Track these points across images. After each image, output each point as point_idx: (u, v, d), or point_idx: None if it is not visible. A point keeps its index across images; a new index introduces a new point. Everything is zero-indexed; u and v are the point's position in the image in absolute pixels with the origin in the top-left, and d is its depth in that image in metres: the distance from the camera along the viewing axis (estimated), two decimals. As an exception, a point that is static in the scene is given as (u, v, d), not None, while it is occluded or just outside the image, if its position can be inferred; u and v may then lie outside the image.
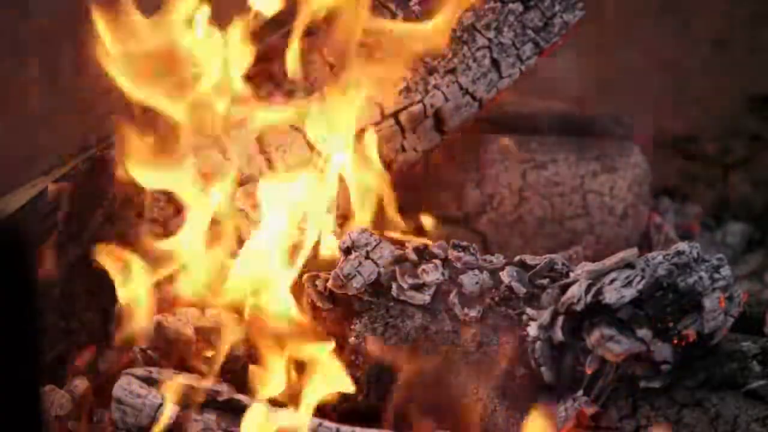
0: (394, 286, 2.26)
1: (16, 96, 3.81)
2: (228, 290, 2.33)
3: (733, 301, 2.15)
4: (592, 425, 2.14)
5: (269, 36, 2.52)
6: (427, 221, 2.73)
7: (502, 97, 2.65)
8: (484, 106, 2.59)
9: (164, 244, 2.34)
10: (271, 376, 2.23)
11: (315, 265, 2.35)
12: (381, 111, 2.53)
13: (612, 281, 2.14)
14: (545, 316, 2.17)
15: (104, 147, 2.46)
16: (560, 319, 2.15)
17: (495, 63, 2.56)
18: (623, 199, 2.96)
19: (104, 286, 2.38)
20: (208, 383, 2.21)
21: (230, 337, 2.27)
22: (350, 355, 2.24)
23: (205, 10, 2.43)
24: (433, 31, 2.48)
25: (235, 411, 2.16)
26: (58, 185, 2.38)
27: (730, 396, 2.13)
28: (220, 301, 2.32)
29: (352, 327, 2.25)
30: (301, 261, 2.33)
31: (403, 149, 2.55)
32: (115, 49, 2.39)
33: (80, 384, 2.31)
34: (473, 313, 2.22)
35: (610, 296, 2.12)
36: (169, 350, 2.29)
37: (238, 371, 2.28)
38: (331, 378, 2.18)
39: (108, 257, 2.31)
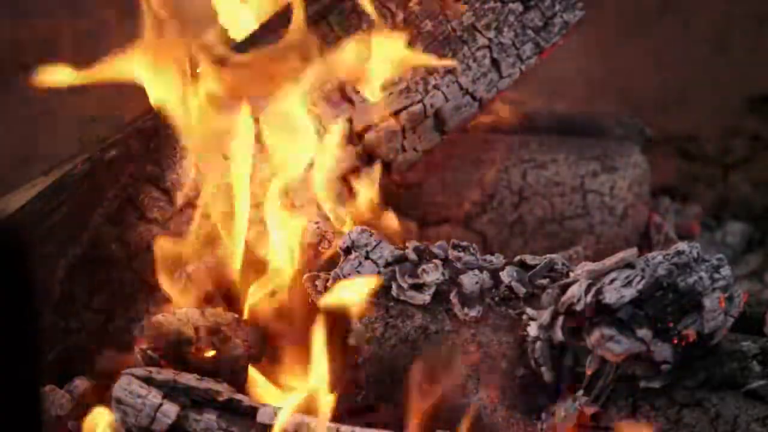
0: (394, 286, 2.26)
1: (16, 96, 3.81)
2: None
3: (733, 301, 2.15)
4: (592, 425, 2.14)
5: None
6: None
7: (503, 97, 2.66)
8: (484, 106, 2.59)
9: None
10: (271, 382, 2.24)
11: (315, 264, 2.35)
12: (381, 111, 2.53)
13: (612, 281, 2.14)
14: (545, 316, 2.17)
15: (104, 147, 2.45)
16: (560, 319, 2.15)
17: (495, 63, 2.56)
18: (623, 199, 2.96)
19: (104, 286, 2.39)
20: (208, 383, 2.21)
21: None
22: (350, 355, 2.24)
23: None
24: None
25: (235, 411, 2.16)
26: None
27: (730, 396, 2.13)
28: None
29: (352, 327, 2.25)
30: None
31: (403, 149, 2.55)
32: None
33: (80, 384, 2.31)
34: (473, 313, 2.22)
35: (610, 296, 2.12)
36: (169, 350, 2.29)
37: (238, 371, 2.28)
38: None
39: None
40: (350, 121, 2.50)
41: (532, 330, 2.17)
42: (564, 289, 2.19)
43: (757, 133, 3.81)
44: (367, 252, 2.28)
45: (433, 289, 2.24)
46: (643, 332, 2.10)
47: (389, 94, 2.52)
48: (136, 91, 2.58)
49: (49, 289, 2.35)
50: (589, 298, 2.12)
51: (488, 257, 2.29)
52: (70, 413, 2.28)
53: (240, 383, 2.26)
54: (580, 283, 2.15)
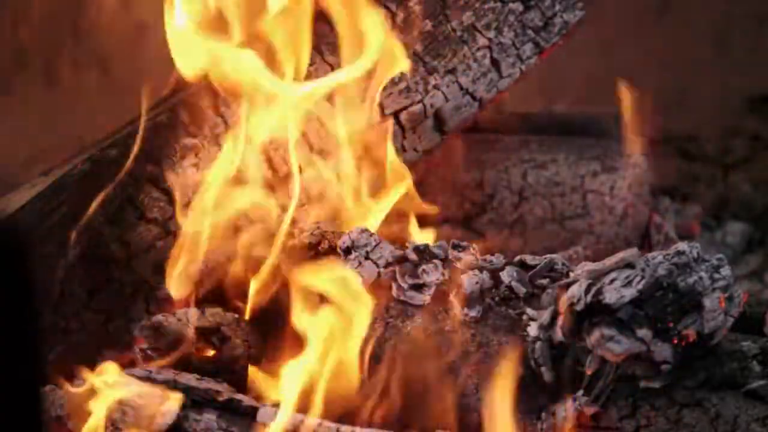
0: (394, 286, 2.26)
1: (16, 96, 3.81)
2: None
3: (733, 301, 2.15)
4: (592, 425, 2.14)
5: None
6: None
7: (503, 97, 2.65)
8: (484, 106, 2.59)
9: None
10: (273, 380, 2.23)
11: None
12: (381, 111, 2.53)
13: (612, 281, 2.13)
14: (545, 316, 2.17)
15: (104, 147, 2.46)
16: (560, 319, 2.15)
17: (495, 63, 2.56)
18: (623, 199, 2.96)
19: (104, 286, 2.39)
20: (208, 383, 2.21)
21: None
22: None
23: None
24: None
25: (235, 411, 2.16)
26: None
27: (730, 396, 2.13)
28: None
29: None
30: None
31: (403, 149, 2.55)
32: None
33: (80, 384, 2.31)
34: (473, 313, 2.22)
35: (610, 296, 2.12)
36: (169, 350, 2.29)
37: (238, 371, 2.28)
38: None
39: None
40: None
41: (532, 330, 2.17)
42: (564, 289, 2.19)
43: (757, 133, 3.81)
44: (367, 252, 2.28)
45: (433, 289, 2.24)
46: (643, 332, 2.10)
47: (389, 95, 2.52)
48: (137, 92, 2.59)
49: (49, 289, 2.35)
50: (589, 298, 2.12)
51: (488, 257, 2.29)
52: (70, 413, 2.27)
53: (240, 383, 2.25)
54: (580, 283, 2.15)
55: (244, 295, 2.39)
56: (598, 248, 2.89)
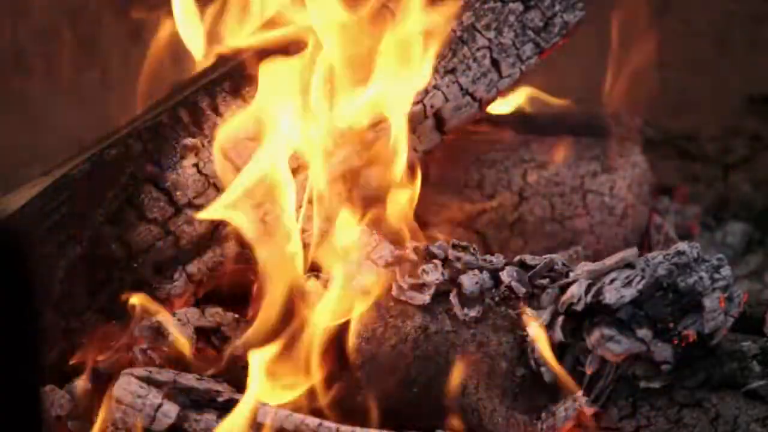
0: (394, 286, 2.26)
1: (16, 96, 3.81)
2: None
3: (733, 301, 2.15)
4: (592, 425, 2.14)
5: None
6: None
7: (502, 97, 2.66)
8: (484, 106, 2.59)
9: None
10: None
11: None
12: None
13: (612, 281, 2.14)
14: (545, 316, 2.17)
15: (104, 147, 2.45)
16: (560, 319, 2.15)
17: (495, 63, 2.56)
18: (623, 199, 2.96)
19: (104, 286, 2.39)
20: (208, 383, 2.21)
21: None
22: (350, 355, 2.24)
23: None
24: None
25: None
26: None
27: (730, 396, 2.13)
28: None
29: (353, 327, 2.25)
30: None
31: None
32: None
33: (80, 384, 2.31)
34: (473, 313, 2.22)
35: (610, 296, 2.12)
36: (169, 350, 2.29)
37: (238, 371, 2.28)
38: None
39: None
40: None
41: (532, 330, 2.17)
42: (564, 289, 2.19)
43: (757, 133, 3.80)
44: (367, 252, 2.28)
45: (433, 289, 2.24)
46: (643, 332, 2.10)
47: (389, 94, 2.52)
48: (137, 92, 2.59)
49: (49, 289, 2.35)
50: (589, 298, 2.13)
51: (488, 257, 2.29)
52: (70, 413, 2.28)
53: (240, 383, 2.25)
54: (580, 283, 2.15)
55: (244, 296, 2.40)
56: (598, 248, 2.89)
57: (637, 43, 3.46)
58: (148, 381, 2.19)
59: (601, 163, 2.96)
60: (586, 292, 2.13)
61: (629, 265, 2.16)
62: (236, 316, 2.35)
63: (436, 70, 2.54)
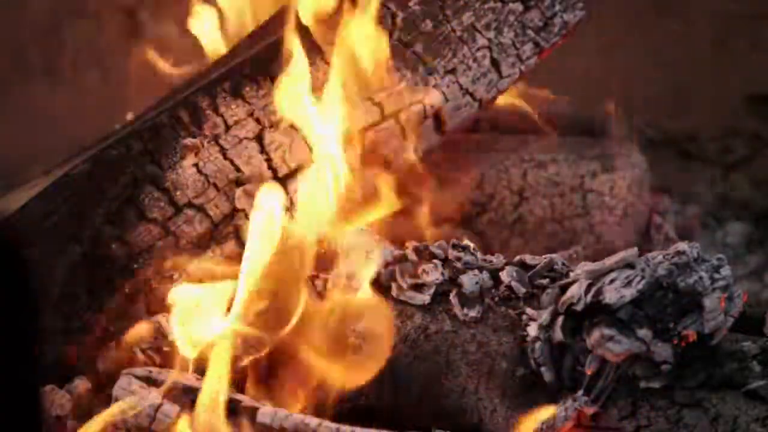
0: (394, 286, 2.26)
1: (16, 96, 3.81)
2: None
3: (733, 301, 2.15)
4: (592, 425, 2.14)
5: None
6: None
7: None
8: (485, 106, 2.59)
9: None
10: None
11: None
12: (381, 111, 2.53)
13: (612, 281, 2.13)
14: (545, 316, 2.17)
15: (104, 147, 2.46)
16: (560, 319, 2.15)
17: (495, 63, 2.56)
18: (623, 199, 2.96)
19: (104, 286, 2.39)
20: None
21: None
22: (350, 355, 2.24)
23: None
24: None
25: (235, 411, 2.16)
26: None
27: (730, 396, 2.13)
28: None
29: (353, 327, 2.25)
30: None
31: (404, 149, 2.55)
32: None
33: (80, 384, 2.31)
34: (473, 313, 2.22)
35: (610, 296, 2.12)
36: (169, 350, 2.29)
37: (238, 371, 2.28)
38: None
39: None
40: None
41: (532, 330, 2.17)
42: (564, 289, 2.19)
43: (757, 133, 3.81)
44: (367, 252, 2.28)
45: (433, 289, 2.24)
46: (643, 332, 2.10)
47: (389, 95, 2.52)
48: (137, 92, 2.59)
49: (49, 289, 2.35)
50: (589, 298, 2.13)
51: (488, 257, 2.29)
52: (70, 413, 2.28)
53: (240, 383, 2.25)
54: (580, 283, 2.15)
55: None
56: (598, 248, 2.89)
57: (636, 43, 3.46)
58: (148, 381, 2.19)
59: (601, 163, 2.96)
60: (586, 292, 2.13)
61: (629, 265, 2.16)
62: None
63: (436, 70, 2.54)
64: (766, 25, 3.77)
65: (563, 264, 2.26)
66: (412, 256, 2.28)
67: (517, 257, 2.29)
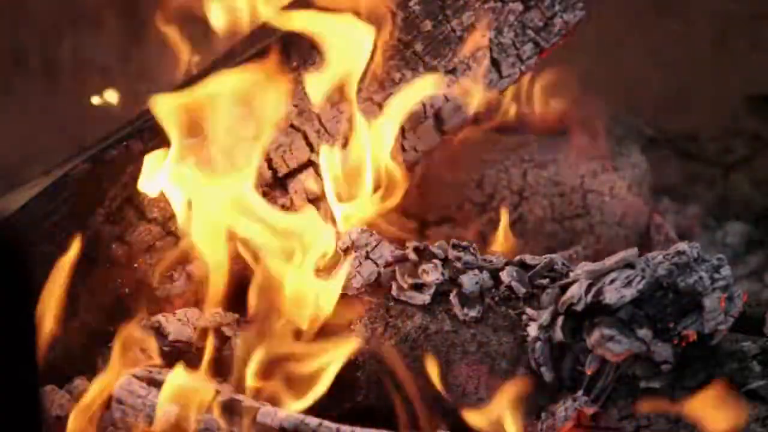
0: (394, 286, 2.26)
1: (16, 96, 3.81)
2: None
3: (733, 301, 2.15)
4: (592, 425, 2.14)
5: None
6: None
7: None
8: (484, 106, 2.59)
9: None
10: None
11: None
12: (381, 111, 2.53)
13: (612, 281, 2.13)
14: (545, 316, 2.17)
15: (104, 147, 2.46)
16: (560, 319, 2.15)
17: (495, 63, 2.56)
18: (623, 199, 2.96)
19: (104, 286, 2.39)
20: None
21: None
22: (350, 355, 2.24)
23: None
24: None
25: (235, 411, 2.16)
26: None
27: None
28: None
29: (352, 327, 2.25)
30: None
31: (403, 149, 2.55)
32: None
33: (80, 384, 2.31)
34: (473, 313, 2.22)
35: (611, 296, 2.12)
36: (169, 350, 2.29)
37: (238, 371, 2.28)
38: None
39: None
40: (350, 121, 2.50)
41: (532, 330, 2.17)
42: (564, 289, 2.19)
43: (757, 133, 3.81)
44: (367, 252, 2.28)
45: (433, 289, 2.24)
46: (643, 332, 2.10)
47: (389, 95, 2.52)
48: (137, 92, 2.59)
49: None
50: (589, 298, 2.12)
51: (488, 257, 2.29)
52: (70, 413, 2.28)
53: (240, 383, 2.25)
54: (580, 283, 2.15)
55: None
56: (598, 248, 2.89)
57: (636, 43, 3.46)
58: (148, 381, 2.19)
59: (601, 163, 2.96)
60: (586, 292, 2.13)
61: (629, 265, 2.16)
62: (236, 316, 2.35)
63: (436, 70, 2.54)
64: (766, 25, 3.77)
65: (563, 264, 2.26)
66: (412, 256, 2.28)
67: (517, 257, 2.29)
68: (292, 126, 2.49)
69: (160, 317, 2.32)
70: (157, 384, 2.18)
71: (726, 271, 2.15)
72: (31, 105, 3.78)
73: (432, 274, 2.25)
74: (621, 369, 2.13)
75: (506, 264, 2.28)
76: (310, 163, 2.50)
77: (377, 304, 2.25)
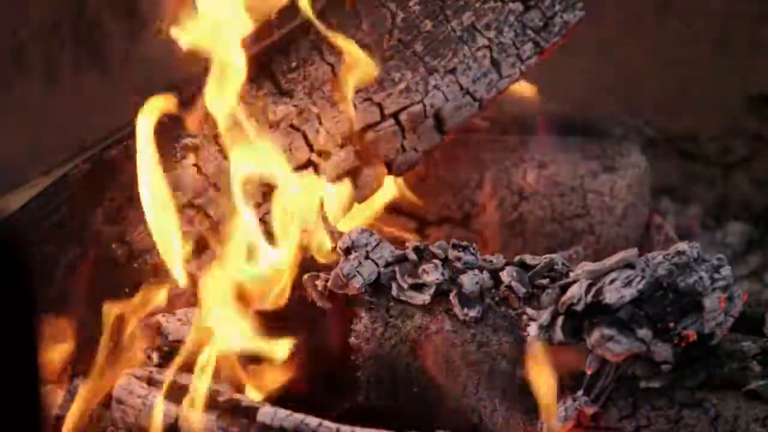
0: (394, 286, 2.26)
1: (16, 96, 3.81)
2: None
3: (733, 301, 2.15)
4: (592, 425, 2.14)
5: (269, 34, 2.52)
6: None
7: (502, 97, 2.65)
8: (485, 106, 2.59)
9: None
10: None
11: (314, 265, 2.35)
12: (381, 111, 2.53)
13: (612, 281, 2.13)
14: (545, 316, 2.16)
15: (104, 147, 2.46)
16: (560, 319, 2.15)
17: (495, 63, 2.56)
18: (623, 199, 2.96)
19: (104, 286, 2.39)
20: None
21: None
22: (350, 355, 2.24)
23: None
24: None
25: (235, 411, 2.16)
26: None
27: (730, 396, 2.13)
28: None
29: (352, 327, 2.25)
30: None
31: (403, 149, 2.55)
32: None
33: (80, 384, 2.31)
34: (473, 313, 2.22)
35: (610, 296, 2.12)
36: (169, 350, 2.29)
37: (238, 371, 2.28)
38: None
39: None
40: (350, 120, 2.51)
41: (532, 330, 2.17)
42: (564, 289, 2.19)
43: (757, 133, 3.80)
44: (367, 252, 2.28)
45: (433, 289, 2.24)
46: (643, 332, 2.10)
47: (389, 95, 2.52)
48: (137, 92, 2.59)
49: (48, 289, 2.35)
50: (589, 298, 2.12)
51: (488, 257, 2.29)
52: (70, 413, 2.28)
53: (240, 383, 2.26)
54: (580, 283, 2.15)
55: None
56: (598, 248, 2.89)
57: (636, 43, 3.46)
58: (148, 381, 2.19)
59: (601, 163, 2.96)
60: (586, 292, 2.13)
61: (629, 265, 2.16)
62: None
63: (436, 70, 2.54)
64: (766, 25, 3.77)
65: (563, 264, 2.26)
66: (412, 256, 2.28)
67: (517, 257, 2.29)
68: (292, 126, 2.49)
69: (160, 317, 2.32)
70: (156, 384, 2.18)
71: (726, 271, 2.15)
72: (31, 105, 3.78)
73: (432, 274, 2.25)
74: (621, 369, 2.13)
75: (506, 264, 2.28)
76: (310, 163, 2.50)
77: (377, 304, 2.25)
